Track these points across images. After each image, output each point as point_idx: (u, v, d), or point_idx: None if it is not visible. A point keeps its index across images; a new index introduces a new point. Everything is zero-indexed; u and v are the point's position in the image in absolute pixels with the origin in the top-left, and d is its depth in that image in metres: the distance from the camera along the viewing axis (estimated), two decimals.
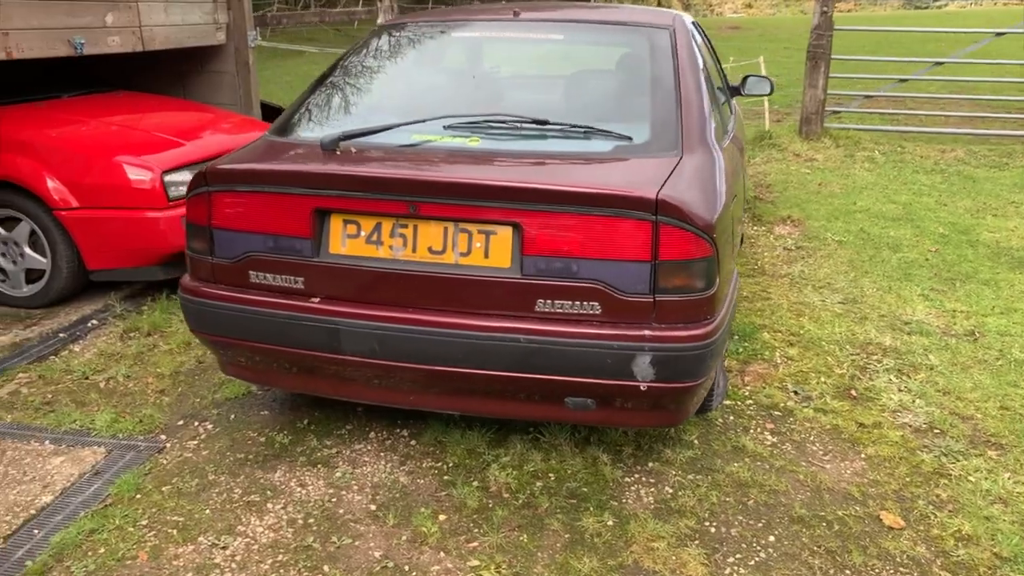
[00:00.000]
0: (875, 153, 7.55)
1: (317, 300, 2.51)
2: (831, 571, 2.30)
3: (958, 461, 2.80)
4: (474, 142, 2.54)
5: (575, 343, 2.31)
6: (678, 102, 2.71)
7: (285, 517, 2.54)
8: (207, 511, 2.57)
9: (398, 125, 2.55)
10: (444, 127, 2.58)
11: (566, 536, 2.44)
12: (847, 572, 2.30)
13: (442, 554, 2.37)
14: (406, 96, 3.02)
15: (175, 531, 2.48)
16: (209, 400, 3.27)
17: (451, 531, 2.47)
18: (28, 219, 4.06)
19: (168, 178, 4.05)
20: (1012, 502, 2.58)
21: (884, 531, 2.46)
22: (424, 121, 2.57)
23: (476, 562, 2.34)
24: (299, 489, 2.68)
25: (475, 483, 2.68)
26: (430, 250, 2.40)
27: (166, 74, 6.30)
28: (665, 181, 2.30)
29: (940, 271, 4.58)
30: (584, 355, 2.31)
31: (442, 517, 2.53)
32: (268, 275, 2.55)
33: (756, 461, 2.81)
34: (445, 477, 2.73)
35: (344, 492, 2.66)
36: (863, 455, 2.85)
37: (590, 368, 2.33)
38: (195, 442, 2.98)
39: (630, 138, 2.54)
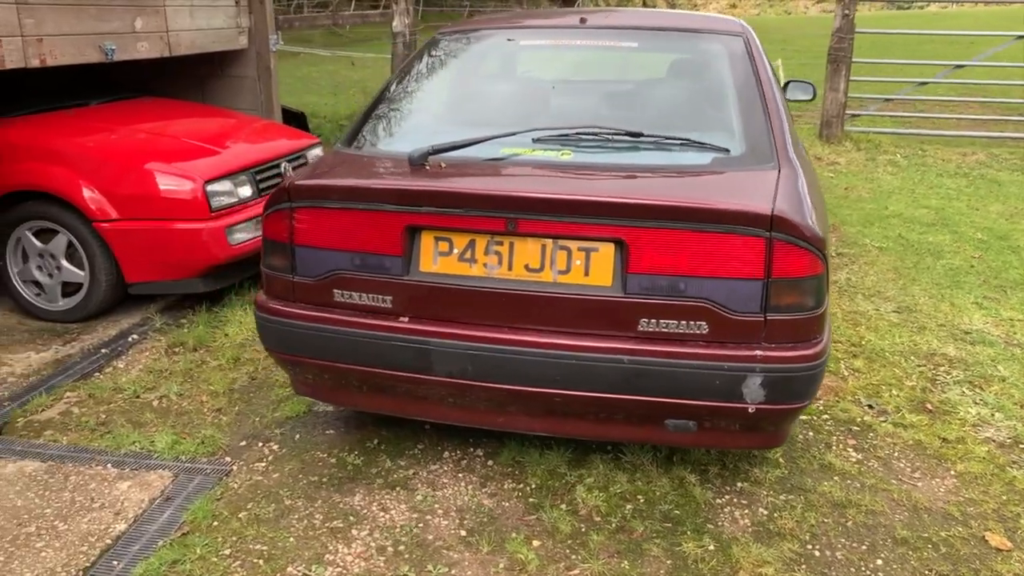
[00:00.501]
0: (897, 156, 7.54)
1: (406, 319, 2.42)
2: None
3: None
4: (566, 155, 2.46)
5: (682, 364, 2.24)
6: (765, 112, 2.64)
7: (373, 544, 2.45)
8: (290, 539, 2.47)
9: (487, 139, 2.46)
10: (533, 140, 2.50)
11: (668, 562, 2.37)
12: None
13: None
14: (481, 107, 2.93)
15: (261, 561, 2.38)
16: (269, 419, 3.17)
17: (548, 558, 2.38)
18: (65, 231, 3.93)
19: (210, 188, 3.94)
20: None
21: (992, 553, 2.40)
22: (514, 134, 2.48)
23: None
24: (382, 514, 2.59)
25: (563, 506, 2.60)
26: (527, 268, 2.32)
27: (184, 78, 6.17)
28: (775, 196, 2.23)
29: (988, 278, 4.54)
30: (692, 376, 2.24)
31: (536, 543, 2.45)
32: (354, 294, 2.45)
33: (846, 479, 2.75)
34: (530, 500, 2.65)
35: (429, 517, 2.57)
36: (952, 472, 2.79)
37: (697, 389, 2.26)
38: (263, 464, 2.88)
39: (727, 150, 2.47)
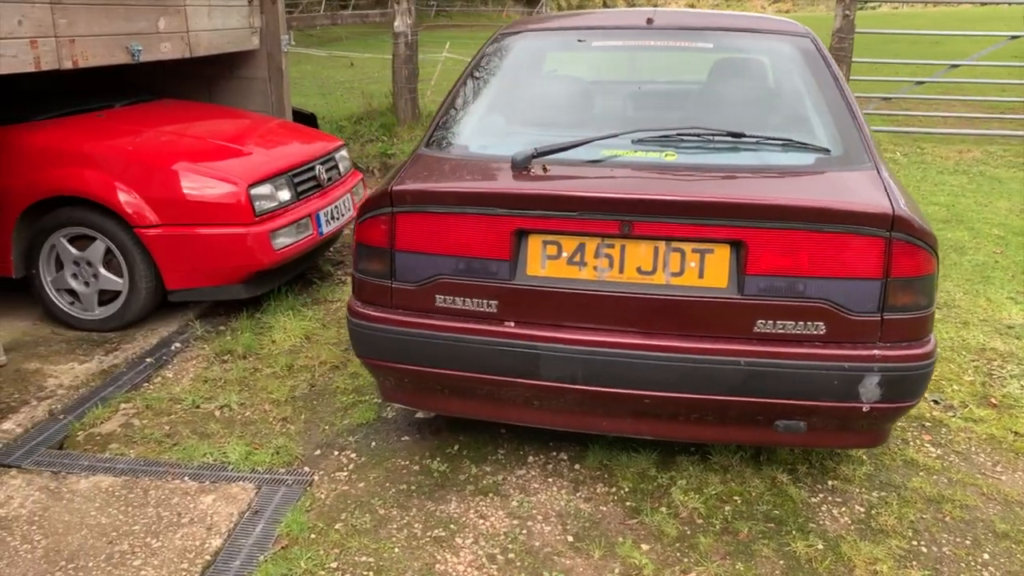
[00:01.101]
0: (896, 155, 7.67)
1: (512, 324, 2.39)
2: None
3: None
4: (671, 157, 2.45)
5: (800, 365, 2.24)
6: (851, 112, 2.66)
7: (481, 553, 2.41)
8: (395, 549, 2.43)
9: (589, 141, 2.44)
10: (633, 141, 2.49)
11: (781, 563, 2.37)
12: None
13: None
14: (563, 108, 2.90)
15: (371, 573, 2.33)
16: (339, 427, 3.11)
17: (662, 561, 2.37)
18: (104, 238, 3.82)
19: (254, 192, 3.86)
20: None
21: None
22: (616, 135, 2.46)
23: None
24: (481, 521, 2.56)
25: (663, 509, 2.60)
26: (639, 270, 2.30)
27: (191, 80, 6.03)
28: (889, 196, 2.25)
29: (1016, 273, 4.64)
30: (809, 377, 2.25)
31: (645, 547, 2.44)
32: (457, 299, 2.42)
33: (932, 474, 2.78)
34: (628, 503, 2.64)
35: (531, 523, 2.54)
36: None
37: (814, 390, 2.26)
38: (344, 473, 2.82)
39: (828, 150, 2.48)
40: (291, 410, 3.24)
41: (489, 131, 2.78)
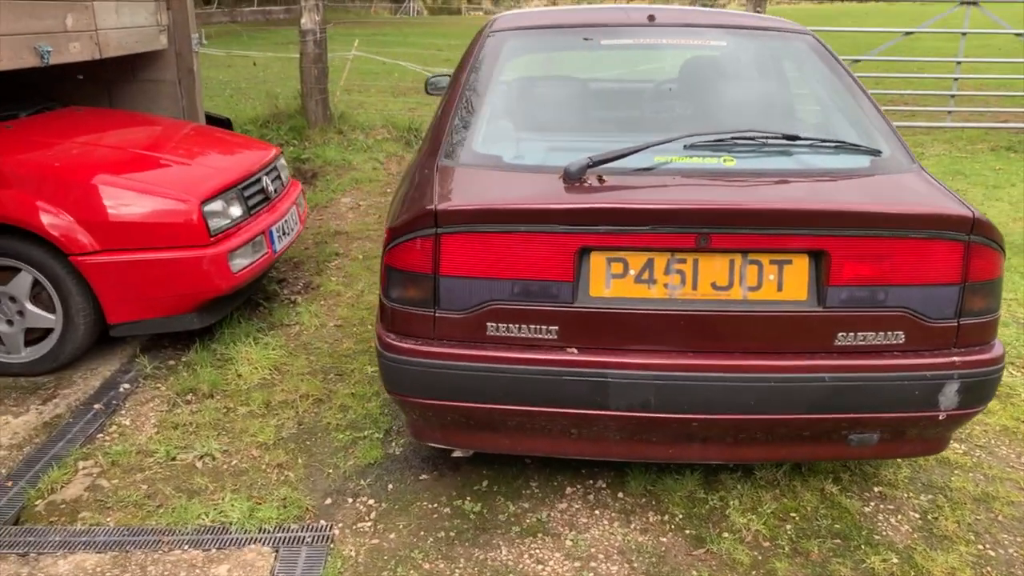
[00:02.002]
0: None
1: (575, 351, 2.18)
2: None
3: None
4: (730, 162, 2.31)
5: (883, 377, 2.15)
6: (877, 110, 2.61)
7: None
8: None
9: (644, 148, 2.26)
10: (685, 147, 2.32)
11: None
12: None
13: None
14: (590, 111, 2.71)
15: None
16: (345, 469, 2.80)
17: None
18: (30, 268, 3.31)
19: (207, 208, 3.45)
20: None
21: None
22: (669, 141, 2.29)
23: None
24: (540, 567, 2.34)
25: (726, 534, 2.46)
26: (713, 286, 2.15)
27: (87, 85, 5.42)
28: (958, 198, 2.19)
29: None
30: (892, 388, 2.16)
31: None
32: (512, 326, 2.18)
33: (967, 472, 2.78)
34: (687, 531, 2.48)
35: (594, 564, 2.35)
36: None
37: (896, 401, 2.18)
38: (368, 524, 2.53)
39: (879, 152, 2.41)
40: (284, 454, 2.89)
41: (514, 139, 2.55)
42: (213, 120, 5.87)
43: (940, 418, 2.22)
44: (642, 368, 2.15)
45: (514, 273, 2.15)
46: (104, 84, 5.53)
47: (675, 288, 2.15)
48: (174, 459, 2.86)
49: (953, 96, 8.09)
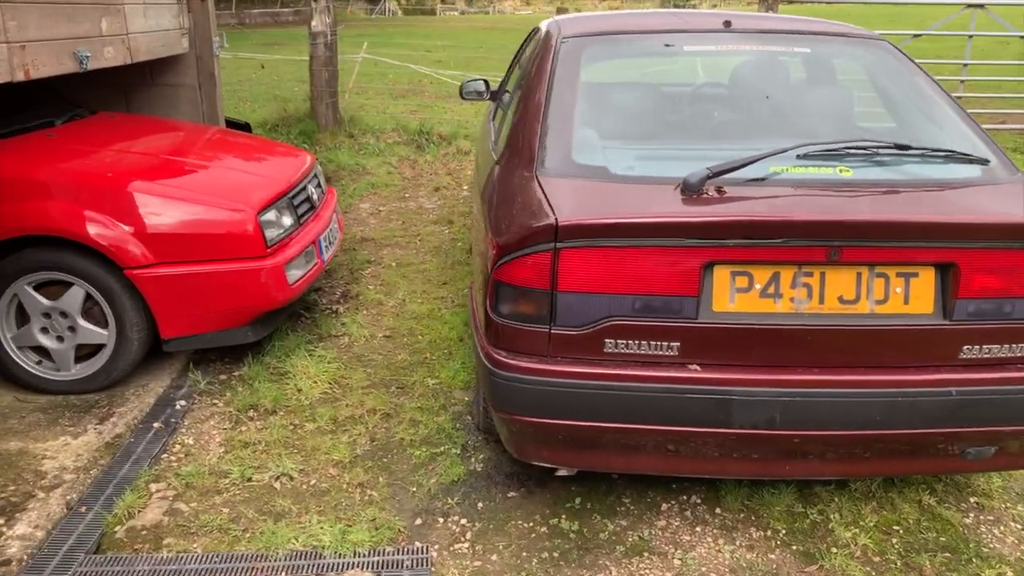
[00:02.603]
0: None
1: (697, 367, 2.13)
2: None
3: None
4: (846, 173, 2.27)
5: (1010, 389, 2.13)
6: (968, 117, 2.59)
7: None
8: None
9: (760, 158, 2.21)
10: (798, 156, 2.28)
11: None
12: None
13: None
14: (678, 118, 2.66)
15: None
16: (429, 487, 2.73)
17: None
18: (83, 282, 3.19)
19: (263, 219, 3.35)
20: None
21: None
22: (785, 151, 2.25)
23: None
24: None
25: (833, 550, 2.42)
26: (840, 300, 2.11)
27: (104, 89, 5.26)
28: None
29: None
30: (1018, 401, 2.13)
31: None
32: (632, 342, 2.12)
33: None
34: (794, 547, 2.44)
35: None
36: None
37: (1020, 414, 2.15)
38: (465, 545, 2.46)
39: (987, 161, 2.38)
40: (363, 472, 2.81)
41: (612, 149, 2.49)
42: (233, 125, 5.75)
43: None
44: (769, 384, 2.10)
45: (636, 288, 2.09)
46: (121, 89, 5.38)
47: (802, 302, 2.10)
48: (250, 480, 2.77)
49: (960, 98, 8.17)
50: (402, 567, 2.36)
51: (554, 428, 2.23)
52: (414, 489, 2.73)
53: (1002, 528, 2.53)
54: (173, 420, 3.16)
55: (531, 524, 2.55)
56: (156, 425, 3.11)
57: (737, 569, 2.35)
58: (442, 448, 2.94)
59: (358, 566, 2.37)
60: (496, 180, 2.64)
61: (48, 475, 2.76)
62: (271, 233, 3.38)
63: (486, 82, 4.75)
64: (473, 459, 2.88)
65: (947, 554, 2.41)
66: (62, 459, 2.86)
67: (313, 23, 7.17)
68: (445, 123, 8.42)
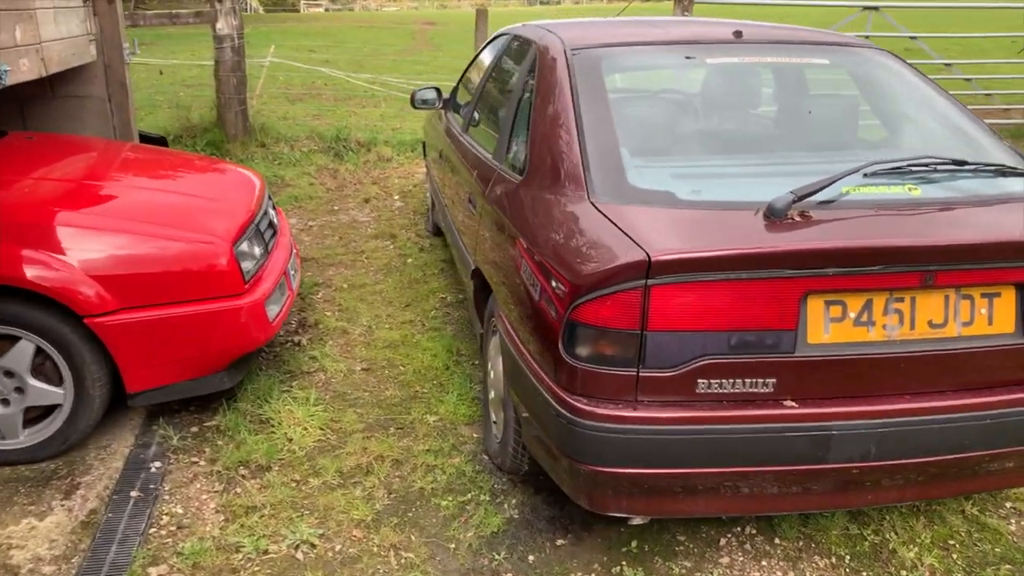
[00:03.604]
0: None
1: (794, 403, 2.02)
2: None
3: None
4: (915, 191, 2.21)
5: None
6: (991, 130, 2.62)
7: None
8: None
9: (838, 178, 2.12)
10: (864, 175, 2.21)
11: None
12: None
13: None
14: (719, 133, 2.55)
15: None
16: (470, 543, 2.51)
17: None
18: (32, 335, 2.75)
19: (238, 250, 3.01)
20: None
21: None
22: (856, 171, 2.17)
23: None
24: None
25: (902, 572, 2.38)
26: (930, 324, 2.05)
27: None
28: None
29: None
30: None
31: None
32: (727, 381, 1.99)
33: None
34: (863, 573, 2.39)
35: None
36: None
37: None
38: None
39: None
40: (392, 532, 2.55)
41: (668, 170, 2.35)
42: (147, 139, 5.23)
43: None
44: (865, 416, 2.02)
45: (732, 324, 1.96)
46: (17, 103, 4.78)
47: (893, 329, 2.03)
48: (267, 552, 2.45)
49: None
50: None
51: (640, 478, 2.06)
52: (453, 546, 2.49)
53: None
54: (152, 486, 2.77)
55: (593, 575, 2.38)
56: (134, 494, 2.72)
57: None
58: (469, 495, 2.72)
59: None
60: (531, 205, 2.44)
61: (22, 570, 2.35)
62: (247, 266, 3.04)
63: (438, 90, 4.53)
64: (506, 505, 2.68)
65: (1008, 566, 2.42)
66: (33, 547, 2.44)
67: (218, 25, 6.66)
68: (355, 128, 8.05)
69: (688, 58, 2.75)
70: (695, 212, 2.13)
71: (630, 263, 1.91)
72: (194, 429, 3.12)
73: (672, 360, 1.97)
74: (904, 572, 2.39)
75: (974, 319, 2.07)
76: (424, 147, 5.72)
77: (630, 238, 1.99)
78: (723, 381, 1.99)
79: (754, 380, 2.00)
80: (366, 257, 5.07)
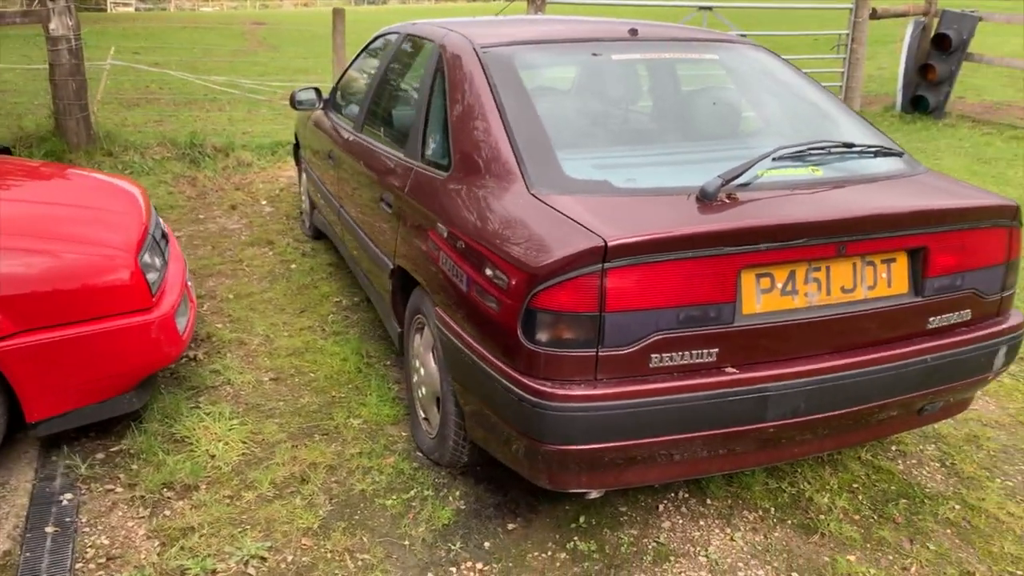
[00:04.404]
0: None
1: (734, 370, 2.20)
2: None
3: None
4: (817, 172, 2.45)
5: (964, 351, 2.46)
6: (854, 112, 2.95)
7: None
8: None
9: (756, 162, 2.31)
10: (773, 159, 2.43)
11: (948, 531, 2.60)
12: None
13: None
14: (631, 124, 2.72)
15: None
16: (422, 538, 2.53)
17: (876, 563, 2.43)
18: None
19: (143, 262, 2.86)
20: None
21: None
22: (768, 156, 2.37)
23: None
24: None
25: (822, 516, 2.64)
26: (842, 289, 2.29)
27: None
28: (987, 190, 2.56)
29: None
30: (970, 359, 2.48)
31: (851, 557, 2.47)
32: (676, 354, 2.14)
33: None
34: (789, 522, 2.63)
35: (742, 572, 2.39)
36: None
37: (970, 369, 2.50)
38: None
39: (901, 153, 2.71)
40: (342, 536, 2.52)
41: (598, 159, 2.47)
42: None
43: (989, 378, 2.59)
44: (794, 377, 2.23)
45: (679, 300, 2.10)
46: None
47: (813, 296, 2.25)
48: (214, 571, 2.36)
49: None
50: None
51: (602, 452, 2.17)
52: (407, 543, 2.51)
53: (929, 469, 2.92)
54: (67, 519, 2.59)
55: (549, 552, 2.47)
56: (49, 530, 2.53)
57: (756, 553, 2.48)
58: (413, 492, 2.73)
59: None
60: (464, 199, 2.49)
61: None
62: (152, 277, 2.89)
63: (317, 90, 4.48)
64: (451, 497, 2.71)
65: (905, 501, 2.74)
66: None
67: (52, 26, 6.17)
68: (206, 133, 7.68)
69: (595, 55, 2.89)
70: (634, 199, 2.27)
71: (587, 249, 2.01)
72: (100, 456, 2.93)
73: (628, 338, 2.09)
74: (822, 516, 2.64)
75: (877, 283, 2.33)
76: (297, 149, 5.58)
77: (582, 226, 2.09)
78: (673, 354, 2.13)
79: (700, 351, 2.15)
80: (246, 265, 4.90)
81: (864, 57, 9.35)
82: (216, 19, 31.83)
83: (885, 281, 2.34)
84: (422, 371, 2.89)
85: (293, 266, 4.89)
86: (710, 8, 8.48)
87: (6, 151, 4.87)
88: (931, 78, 9.13)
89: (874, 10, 9.14)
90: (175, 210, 5.94)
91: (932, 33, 9.15)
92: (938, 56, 9.12)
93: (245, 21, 27.21)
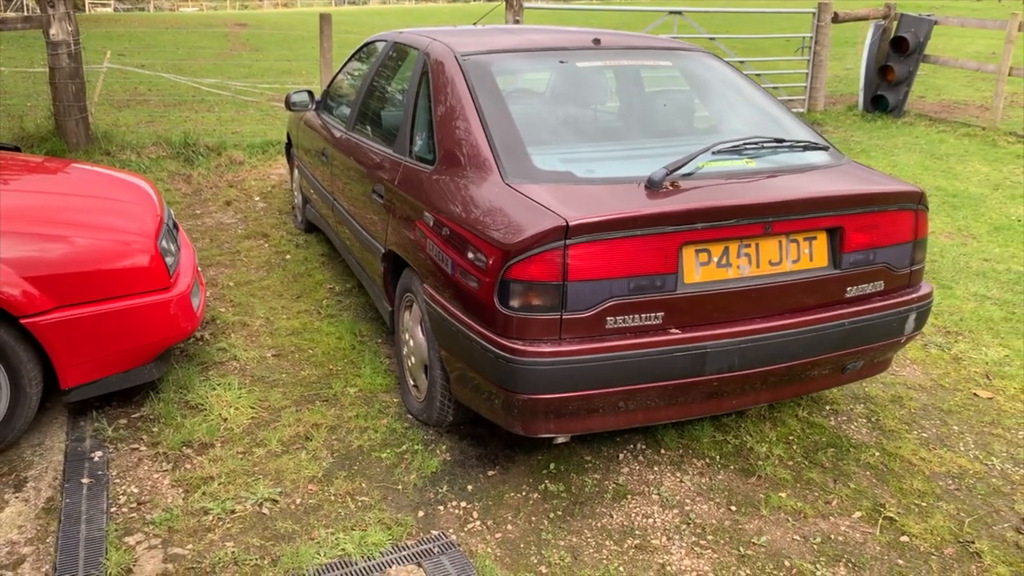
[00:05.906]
0: None
1: (678, 331, 2.60)
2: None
3: None
4: (751, 163, 2.86)
5: (877, 316, 2.87)
6: (789, 111, 3.36)
7: (684, 542, 2.61)
8: (620, 569, 2.49)
9: (696, 155, 2.71)
10: (713, 153, 2.83)
11: (868, 473, 3.01)
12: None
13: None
14: (592, 124, 3.08)
15: None
16: (415, 483, 2.91)
17: (803, 498, 2.84)
18: None
19: (162, 246, 3.22)
20: None
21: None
22: (708, 149, 2.77)
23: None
24: (650, 520, 2.73)
25: (760, 462, 3.05)
26: (770, 263, 2.69)
27: None
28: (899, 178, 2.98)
29: None
30: (881, 324, 2.89)
31: (783, 494, 2.87)
32: (627, 317, 2.53)
33: (871, 383, 3.68)
34: (732, 468, 3.03)
35: (689, 507, 2.79)
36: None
37: (883, 333, 2.91)
38: (477, 524, 2.71)
39: (827, 147, 3.13)
40: (344, 483, 2.90)
41: (565, 154, 2.86)
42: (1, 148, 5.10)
43: (902, 341, 3.01)
44: (731, 336, 2.63)
45: (629, 271, 2.50)
46: None
47: (745, 268, 2.66)
48: (233, 511, 2.73)
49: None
50: (433, 555, 2.55)
51: (566, 401, 2.56)
52: (400, 487, 2.88)
53: (856, 424, 3.34)
54: (99, 473, 2.94)
55: (524, 493, 2.85)
56: (84, 481, 2.88)
57: (702, 491, 2.88)
58: (404, 447, 3.11)
59: (396, 563, 2.51)
60: (449, 189, 2.88)
61: (0, 553, 2.49)
62: (169, 261, 3.25)
63: (310, 93, 4.84)
64: (438, 450, 3.09)
65: (833, 449, 3.15)
66: (4, 534, 2.58)
67: (52, 31, 6.48)
68: (197, 133, 8.01)
69: (562, 62, 3.28)
70: (593, 187, 2.66)
71: (553, 228, 2.40)
72: (123, 421, 3.28)
73: (587, 303, 2.48)
74: (760, 462, 3.05)
75: (800, 257, 2.74)
76: (289, 148, 5.93)
77: (548, 209, 2.48)
78: (625, 317, 2.53)
79: (647, 315, 2.55)
80: (244, 256, 5.25)
81: (828, 59, 9.81)
82: (197, 20, 31.93)
83: (807, 256, 2.74)
84: (411, 343, 3.27)
85: (288, 256, 5.24)
86: (680, 12, 8.90)
87: (16, 149, 5.19)
88: (890, 79, 9.61)
89: (836, 14, 9.61)
90: (173, 206, 6.27)
91: (891, 36, 9.62)
92: (896, 58, 9.60)
93: (227, 23, 27.37)
